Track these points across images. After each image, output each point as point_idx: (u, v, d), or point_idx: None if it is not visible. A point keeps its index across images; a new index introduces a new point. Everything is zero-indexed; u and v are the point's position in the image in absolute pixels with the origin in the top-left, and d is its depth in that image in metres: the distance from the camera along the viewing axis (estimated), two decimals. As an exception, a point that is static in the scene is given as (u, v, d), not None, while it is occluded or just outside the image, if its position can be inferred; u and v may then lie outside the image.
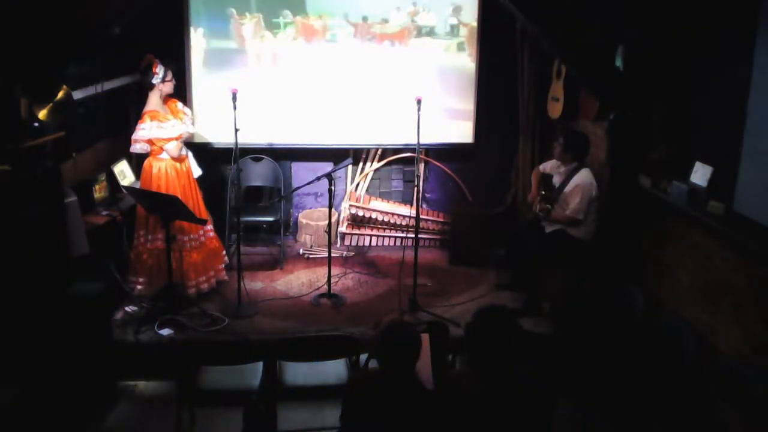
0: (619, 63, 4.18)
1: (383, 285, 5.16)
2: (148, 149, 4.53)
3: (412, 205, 5.06)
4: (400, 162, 6.01)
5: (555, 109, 5.28)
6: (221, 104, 4.80)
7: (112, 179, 4.89)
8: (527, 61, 5.56)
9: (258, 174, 5.79)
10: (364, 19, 5.56)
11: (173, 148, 4.54)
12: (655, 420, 3.39)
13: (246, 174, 5.69)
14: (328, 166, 5.74)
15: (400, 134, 5.66)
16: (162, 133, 4.48)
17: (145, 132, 4.46)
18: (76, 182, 4.34)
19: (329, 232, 4.88)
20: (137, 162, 5.03)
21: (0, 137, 3.43)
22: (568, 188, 4.54)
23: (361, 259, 5.70)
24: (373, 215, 5.88)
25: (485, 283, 5.20)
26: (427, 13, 5.58)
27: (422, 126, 4.58)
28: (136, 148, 4.54)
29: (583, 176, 4.51)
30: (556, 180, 4.68)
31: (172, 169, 4.58)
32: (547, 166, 4.86)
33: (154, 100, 4.56)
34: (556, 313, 4.59)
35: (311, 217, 5.93)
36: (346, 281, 5.23)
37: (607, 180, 4.44)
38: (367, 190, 6.05)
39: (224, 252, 5.09)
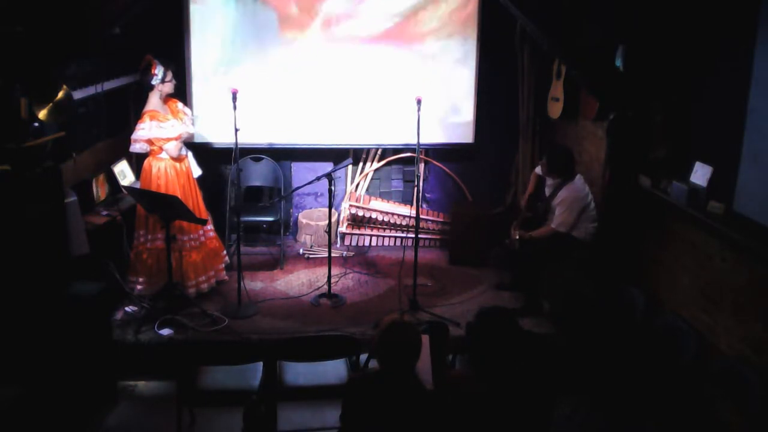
0: (619, 63, 4.18)
1: (383, 285, 5.16)
2: (148, 149, 4.54)
3: (412, 205, 5.06)
4: (400, 162, 6.01)
5: (555, 109, 5.28)
6: (221, 104, 4.79)
7: (112, 179, 4.89)
8: (527, 61, 5.56)
9: (258, 174, 5.79)
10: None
11: (172, 148, 4.54)
12: (654, 420, 3.39)
13: (246, 174, 5.69)
14: (328, 166, 5.75)
15: (400, 134, 5.67)
16: (161, 133, 4.48)
17: (144, 132, 4.47)
18: (76, 182, 4.34)
19: (329, 232, 4.88)
20: (137, 162, 5.03)
21: (0, 137, 3.43)
22: (555, 201, 4.56)
23: (361, 259, 5.70)
24: (373, 215, 5.88)
25: (485, 283, 5.20)
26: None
27: (422, 126, 4.58)
28: (136, 147, 4.54)
29: (570, 189, 4.50)
30: (547, 190, 4.71)
31: (171, 169, 4.58)
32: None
33: (154, 100, 4.57)
34: (556, 313, 4.59)
35: (311, 217, 5.93)
36: (346, 281, 5.23)
37: (607, 180, 4.44)
38: (367, 190, 6.05)
39: (224, 252, 5.09)
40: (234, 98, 4.36)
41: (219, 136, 5.46)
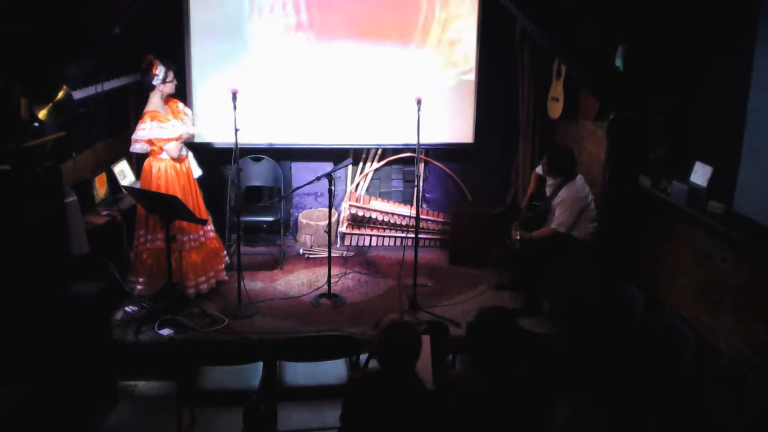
0: (619, 63, 4.19)
1: (383, 285, 5.16)
2: (148, 149, 4.53)
3: (412, 205, 5.06)
4: (400, 162, 6.01)
5: (555, 109, 5.28)
6: (221, 104, 4.79)
7: (113, 179, 4.89)
8: (527, 61, 5.56)
9: (258, 174, 5.79)
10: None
11: (173, 148, 4.53)
12: (655, 420, 3.39)
13: (246, 174, 5.69)
14: (328, 166, 5.75)
15: (400, 134, 5.67)
16: (162, 133, 4.48)
17: (145, 132, 4.47)
18: (76, 182, 4.34)
19: (329, 232, 4.88)
20: (137, 162, 5.03)
21: (0, 137, 3.43)
22: (555, 201, 4.56)
23: (361, 259, 5.70)
24: (373, 215, 5.88)
25: (485, 283, 5.20)
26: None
27: (422, 126, 4.58)
28: (136, 147, 4.54)
29: (570, 189, 4.50)
30: (548, 190, 4.71)
31: (171, 169, 4.58)
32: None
33: (155, 101, 4.56)
34: (556, 313, 4.59)
35: (311, 217, 5.93)
36: (346, 281, 5.23)
37: (607, 180, 4.44)
38: (367, 190, 6.06)
39: (224, 252, 5.09)
40: (234, 98, 4.36)
41: (219, 136, 5.45)
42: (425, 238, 5.94)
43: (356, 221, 5.91)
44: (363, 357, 3.65)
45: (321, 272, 5.25)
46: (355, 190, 6.03)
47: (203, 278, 4.77)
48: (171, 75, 4.59)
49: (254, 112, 5.43)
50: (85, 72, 4.55)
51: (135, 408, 3.92)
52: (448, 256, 5.72)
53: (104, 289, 3.88)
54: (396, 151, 5.94)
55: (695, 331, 3.61)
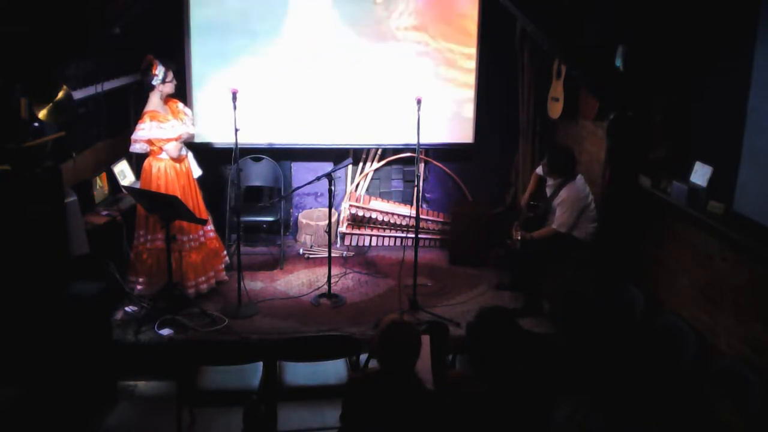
0: (619, 63, 4.19)
1: (383, 285, 5.16)
2: (148, 149, 4.53)
3: (412, 205, 5.06)
4: (400, 162, 6.01)
5: (555, 109, 5.28)
6: (221, 104, 4.79)
7: (113, 179, 4.89)
8: (527, 61, 5.56)
9: (258, 174, 5.79)
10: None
11: (172, 148, 4.53)
12: (655, 420, 3.39)
13: (246, 174, 5.69)
14: (328, 166, 5.75)
15: (400, 134, 5.67)
16: (161, 133, 4.48)
17: (144, 132, 4.47)
18: (76, 182, 4.34)
19: (329, 232, 4.88)
20: (137, 162, 5.03)
21: (0, 137, 3.43)
22: (555, 201, 4.56)
23: (361, 259, 5.70)
24: (373, 215, 5.88)
25: (485, 283, 5.20)
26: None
27: (422, 126, 4.58)
28: (136, 147, 4.54)
29: (570, 189, 4.50)
30: (548, 190, 4.71)
31: (171, 169, 4.58)
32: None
33: (154, 101, 4.56)
34: (556, 313, 4.59)
35: (311, 217, 5.93)
36: (346, 281, 5.23)
37: (607, 180, 4.44)
38: (367, 190, 6.06)
39: (224, 252, 5.09)
40: (234, 98, 4.36)
41: (219, 136, 5.46)
42: (425, 238, 5.94)
43: (356, 221, 5.91)
44: (363, 357, 3.65)
45: (321, 272, 5.25)
46: (355, 190, 6.03)
47: (203, 278, 4.77)
48: (171, 75, 4.59)
49: (254, 112, 5.43)
50: (85, 72, 4.56)
51: (135, 408, 3.92)
52: (448, 256, 5.72)
53: (104, 289, 3.88)
54: (396, 151, 5.94)
55: (695, 331, 3.61)
